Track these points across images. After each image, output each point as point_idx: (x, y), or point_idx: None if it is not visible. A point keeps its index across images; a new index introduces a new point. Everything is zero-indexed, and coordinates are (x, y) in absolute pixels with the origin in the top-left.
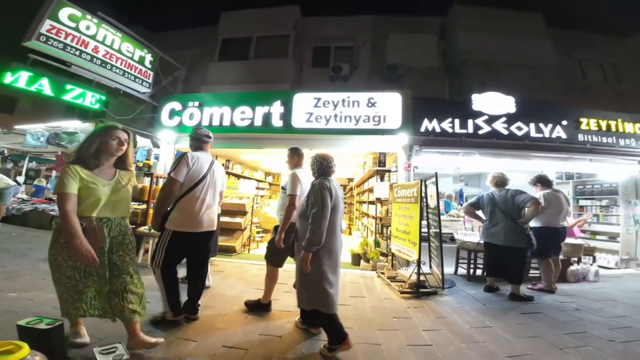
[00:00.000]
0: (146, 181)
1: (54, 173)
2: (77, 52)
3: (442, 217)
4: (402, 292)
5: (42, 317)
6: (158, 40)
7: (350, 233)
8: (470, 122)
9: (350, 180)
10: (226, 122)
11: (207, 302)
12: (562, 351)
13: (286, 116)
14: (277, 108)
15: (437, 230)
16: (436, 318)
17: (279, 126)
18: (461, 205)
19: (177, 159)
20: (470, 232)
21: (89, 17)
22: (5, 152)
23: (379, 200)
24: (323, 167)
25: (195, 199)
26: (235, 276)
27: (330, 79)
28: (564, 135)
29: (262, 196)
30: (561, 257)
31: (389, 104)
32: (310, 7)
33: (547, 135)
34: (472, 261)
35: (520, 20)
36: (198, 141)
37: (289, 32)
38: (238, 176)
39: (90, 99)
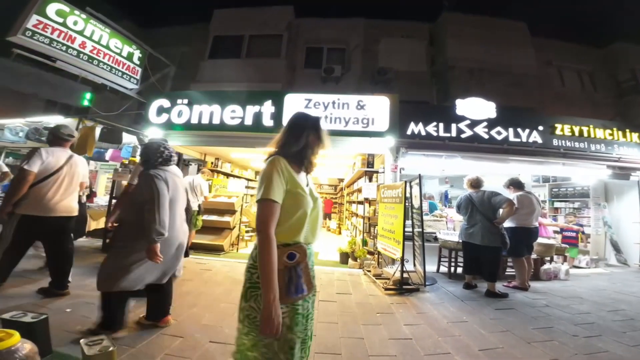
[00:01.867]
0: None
1: None
2: (64, 48)
3: (426, 217)
4: (386, 289)
5: (26, 311)
6: (147, 36)
7: (339, 232)
8: (453, 126)
9: (341, 180)
10: (216, 121)
11: (194, 300)
12: (530, 345)
13: (277, 116)
14: (268, 108)
15: (420, 229)
16: (417, 313)
17: (269, 126)
18: (446, 206)
19: (31, 152)
20: (452, 231)
21: (77, 12)
22: None
23: (367, 200)
24: (156, 155)
25: (49, 188)
26: (222, 274)
27: (322, 80)
28: (539, 140)
29: (251, 195)
30: (535, 256)
31: (377, 107)
32: (304, 8)
33: (524, 139)
34: (452, 260)
35: (505, 29)
36: (57, 138)
37: (282, 32)
38: (227, 175)
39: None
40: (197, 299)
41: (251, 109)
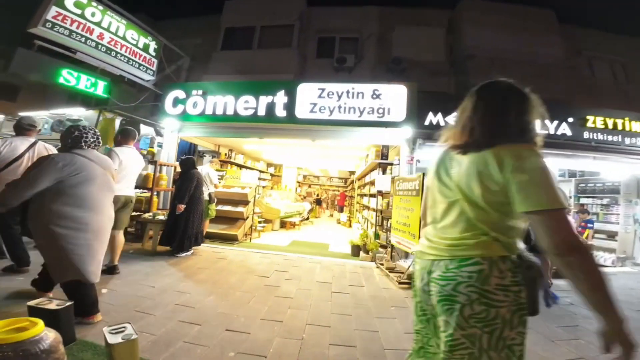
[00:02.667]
0: (150, 169)
1: None
2: (83, 39)
3: None
4: (400, 283)
5: (52, 298)
6: (161, 28)
7: (350, 225)
8: None
9: (352, 173)
10: (230, 111)
11: (210, 288)
12: (553, 343)
13: (290, 106)
14: (280, 98)
15: None
16: None
17: (282, 116)
18: None
19: None
20: None
21: (94, 3)
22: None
23: (380, 193)
24: (66, 138)
25: (10, 176)
26: (236, 264)
27: (334, 70)
28: (569, 133)
29: (263, 187)
30: None
31: (394, 96)
32: None
33: (552, 132)
34: None
35: (530, 17)
36: (19, 128)
37: (293, 22)
38: (240, 166)
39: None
40: (213, 288)
41: (264, 100)
